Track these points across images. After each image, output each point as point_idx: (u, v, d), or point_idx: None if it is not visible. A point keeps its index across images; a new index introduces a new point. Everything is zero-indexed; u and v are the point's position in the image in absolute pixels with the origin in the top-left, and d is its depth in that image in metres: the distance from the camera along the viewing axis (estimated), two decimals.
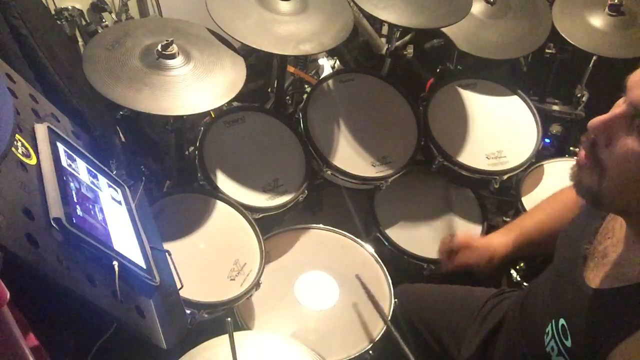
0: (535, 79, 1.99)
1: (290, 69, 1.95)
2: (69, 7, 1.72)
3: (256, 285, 1.28)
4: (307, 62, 2.08)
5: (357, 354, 1.24)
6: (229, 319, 0.89)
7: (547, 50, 1.84)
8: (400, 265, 1.57)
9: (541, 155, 1.72)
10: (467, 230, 1.66)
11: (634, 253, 0.75)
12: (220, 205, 1.40)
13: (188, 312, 1.15)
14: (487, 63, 1.78)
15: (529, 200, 1.62)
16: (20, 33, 1.18)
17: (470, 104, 1.73)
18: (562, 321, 0.81)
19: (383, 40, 1.89)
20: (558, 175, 1.70)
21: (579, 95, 1.88)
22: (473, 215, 1.71)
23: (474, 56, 1.67)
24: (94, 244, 0.71)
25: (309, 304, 1.35)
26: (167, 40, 1.26)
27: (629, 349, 0.68)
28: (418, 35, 1.84)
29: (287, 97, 1.99)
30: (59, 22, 1.67)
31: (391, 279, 1.42)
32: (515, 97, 1.76)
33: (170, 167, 1.62)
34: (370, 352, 1.26)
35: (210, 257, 1.31)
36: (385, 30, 2.02)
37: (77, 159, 0.87)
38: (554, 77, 1.93)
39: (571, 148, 1.89)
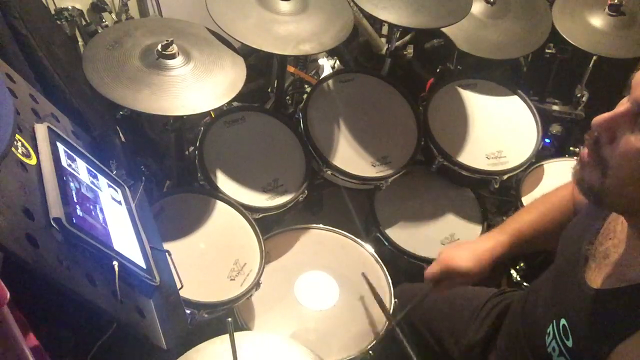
0: (535, 79, 1.99)
1: (290, 69, 1.95)
2: (69, 7, 1.72)
3: (256, 285, 1.28)
4: (307, 62, 2.08)
5: (357, 354, 1.24)
6: (230, 319, 0.89)
7: (547, 50, 1.84)
8: (400, 265, 1.57)
9: (541, 155, 1.72)
10: (467, 230, 1.66)
11: (636, 254, 0.75)
12: (220, 205, 1.40)
13: (188, 312, 1.15)
14: (487, 63, 1.78)
15: (529, 201, 1.60)
16: (20, 33, 1.18)
17: (470, 104, 1.73)
18: (563, 321, 0.81)
19: (383, 40, 1.89)
20: (558, 175, 1.70)
21: (579, 95, 1.88)
22: (473, 215, 1.71)
23: (474, 56, 1.67)
24: (94, 244, 0.72)
25: (309, 304, 1.35)
26: (167, 40, 1.26)
27: (630, 349, 0.68)
28: (418, 35, 1.84)
29: (287, 97, 1.99)
30: (59, 22, 1.67)
31: (391, 279, 1.42)
32: (515, 97, 1.76)
33: (170, 167, 1.62)
34: (371, 352, 1.26)
35: (210, 257, 1.31)
36: (385, 30, 2.02)
37: (77, 159, 0.87)
38: (554, 77, 1.93)
39: (571, 148, 1.90)
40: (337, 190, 1.71)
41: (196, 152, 1.45)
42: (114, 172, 0.98)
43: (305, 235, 1.52)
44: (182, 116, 1.37)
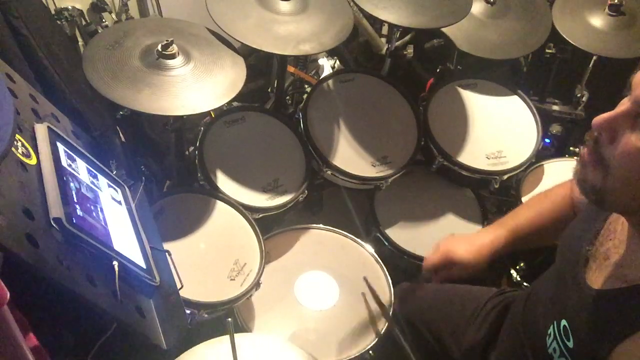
0: (535, 79, 1.99)
1: (290, 69, 1.95)
2: (69, 7, 1.72)
3: (256, 285, 1.28)
4: (307, 62, 2.08)
5: (357, 354, 1.24)
6: (230, 319, 0.88)
7: (547, 50, 1.84)
8: (400, 265, 1.57)
9: (541, 155, 1.72)
10: (467, 230, 1.66)
11: (636, 254, 0.75)
12: (220, 205, 1.40)
13: (188, 312, 1.15)
14: (487, 63, 1.78)
15: None
16: (20, 33, 1.18)
17: (470, 104, 1.73)
18: (564, 322, 0.81)
19: (383, 40, 1.89)
20: (558, 175, 1.70)
21: (579, 95, 1.88)
22: (473, 215, 1.71)
23: (474, 56, 1.67)
24: (94, 244, 0.71)
25: (309, 304, 1.35)
26: (167, 40, 1.26)
27: (630, 349, 0.68)
28: (418, 35, 1.84)
29: (287, 97, 1.99)
30: (59, 22, 1.67)
31: (391, 279, 1.42)
32: (515, 97, 1.76)
33: (170, 167, 1.61)
34: (370, 352, 1.26)
35: (210, 257, 1.31)
36: (385, 30, 2.02)
37: (77, 159, 0.87)
38: (554, 77, 1.93)
39: (571, 148, 1.90)
40: (337, 190, 1.71)
41: (196, 152, 1.45)
42: (114, 172, 0.98)
43: (305, 235, 1.52)
44: (182, 116, 1.37)
